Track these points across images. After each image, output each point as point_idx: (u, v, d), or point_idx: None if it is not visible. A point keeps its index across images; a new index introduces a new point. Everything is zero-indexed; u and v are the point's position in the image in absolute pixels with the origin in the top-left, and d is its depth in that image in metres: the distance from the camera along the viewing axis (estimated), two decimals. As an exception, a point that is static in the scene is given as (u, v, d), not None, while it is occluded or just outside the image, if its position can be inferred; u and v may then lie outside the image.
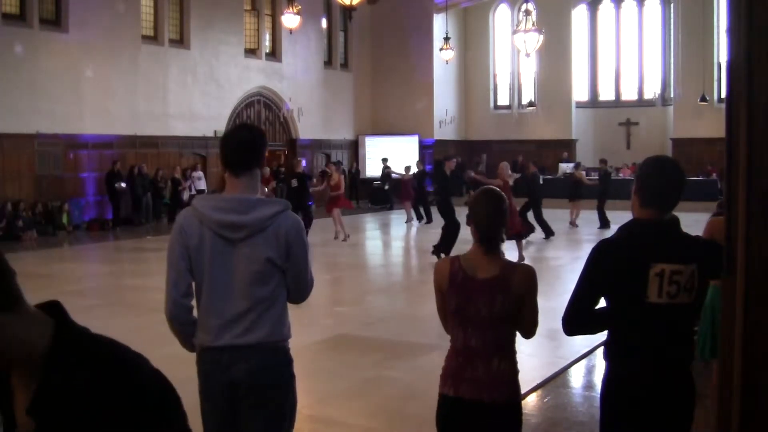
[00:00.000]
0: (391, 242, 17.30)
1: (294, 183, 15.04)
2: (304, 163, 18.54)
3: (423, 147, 27.18)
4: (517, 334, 2.95)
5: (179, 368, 5.53)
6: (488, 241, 2.87)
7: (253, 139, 2.93)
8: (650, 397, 2.68)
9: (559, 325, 2.85)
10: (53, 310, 1.40)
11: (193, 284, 2.90)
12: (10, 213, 16.69)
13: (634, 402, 2.70)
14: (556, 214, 19.50)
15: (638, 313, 2.67)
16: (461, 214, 14.41)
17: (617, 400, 2.75)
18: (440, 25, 26.17)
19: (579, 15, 28.75)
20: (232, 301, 2.83)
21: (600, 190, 17.93)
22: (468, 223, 2.94)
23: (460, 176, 19.53)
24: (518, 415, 2.90)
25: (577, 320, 2.77)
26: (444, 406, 2.91)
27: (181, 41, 21.42)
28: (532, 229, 13.97)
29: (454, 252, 12.68)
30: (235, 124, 19.18)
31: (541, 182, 16.74)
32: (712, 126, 24.15)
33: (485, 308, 2.81)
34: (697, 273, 2.66)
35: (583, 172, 19.66)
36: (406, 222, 19.86)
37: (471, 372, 2.84)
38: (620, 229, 2.82)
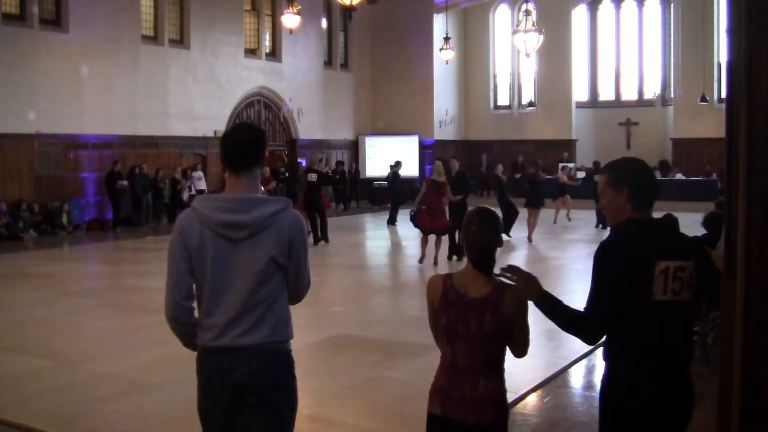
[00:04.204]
0: (391, 242, 17.29)
1: (313, 177, 15.13)
2: (303, 163, 18.51)
3: (423, 147, 27.20)
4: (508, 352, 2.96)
5: (179, 368, 5.54)
6: (480, 263, 2.89)
7: (254, 138, 2.92)
8: (650, 397, 2.68)
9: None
10: None
11: (194, 285, 2.90)
12: (9, 213, 16.68)
13: (633, 402, 2.69)
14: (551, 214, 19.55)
15: (644, 311, 2.67)
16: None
17: (617, 400, 2.75)
18: (440, 25, 26.16)
19: (579, 15, 28.73)
20: (234, 301, 2.83)
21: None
22: (461, 240, 2.95)
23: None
24: None
25: (599, 324, 2.73)
26: (432, 425, 2.95)
27: (181, 41, 21.41)
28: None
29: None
30: (235, 123, 19.18)
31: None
32: (712, 126, 24.16)
33: (475, 327, 2.84)
34: (695, 270, 2.68)
35: (567, 174, 19.96)
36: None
37: (458, 391, 2.85)
38: (614, 230, 2.79)
